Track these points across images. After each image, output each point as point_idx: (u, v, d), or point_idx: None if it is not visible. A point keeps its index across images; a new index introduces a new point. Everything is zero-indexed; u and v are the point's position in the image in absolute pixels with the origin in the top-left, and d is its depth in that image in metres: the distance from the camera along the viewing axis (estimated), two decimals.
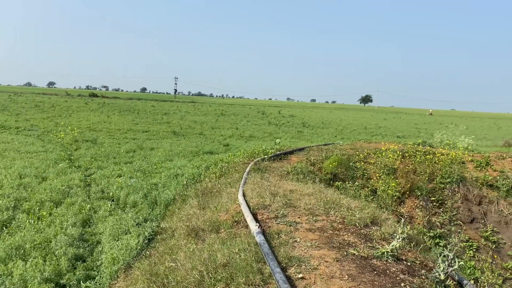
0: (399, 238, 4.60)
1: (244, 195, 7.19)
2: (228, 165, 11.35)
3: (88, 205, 9.21)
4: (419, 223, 10.88)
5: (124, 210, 9.04)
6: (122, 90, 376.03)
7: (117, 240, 7.14)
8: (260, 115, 52.37)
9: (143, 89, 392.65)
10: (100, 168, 13.21)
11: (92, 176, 12.27)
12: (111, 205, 9.35)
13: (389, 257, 4.42)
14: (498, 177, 13.14)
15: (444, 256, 4.42)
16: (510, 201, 12.59)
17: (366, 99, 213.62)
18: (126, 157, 15.24)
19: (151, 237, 7.19)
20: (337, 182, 11.60)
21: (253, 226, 5.12)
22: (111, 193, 10.28)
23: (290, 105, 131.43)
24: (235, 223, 5.97)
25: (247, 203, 6.51)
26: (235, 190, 7.97)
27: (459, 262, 4.31)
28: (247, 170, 9.93)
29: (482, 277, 6.71)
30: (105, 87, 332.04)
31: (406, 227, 5.18)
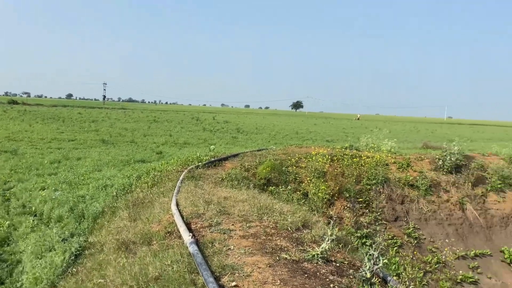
0: (328, 240, 4.79)
1: (177, 205, 7.07)
2: (161, 174, 11.10)
3: (7, 222, 8.53)
4: (347, 224, 11.41)
5: (48, 226, 8.49)
6: (45, 97, 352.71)
7: (40, 258, 6.69)
8: (195, 121, 51.88)
9: (69, 96, 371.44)
10: (21, 181, 12.28)
11: (12, 190, 11.39)
12: (33, 220, 8.73)
13: (319, 259, 4.59)
14: (418, 177, 14.18)
15: (370, 255, 4.68)
16: (429, 199, 13.65)
17: (297, 105, 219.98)
18: (50, 168, 14.32)
19: (78, 253, 6.81)
20: (270, 187, 11.81)
21: (186, 236, 5.06)
22: (33, 208, 9.61)
23: (225, 111, 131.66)
24: (168, 234, 5.85)
25: (180, 213, 6.41)
26: (168, 199, 7.82)
27: (383, 260, 4.58)
28: (180, 178, 9.78)
29: (403, 273, 7.18)
30: (26, 93, 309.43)
31: (335, 229, 5.41)
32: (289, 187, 12.07)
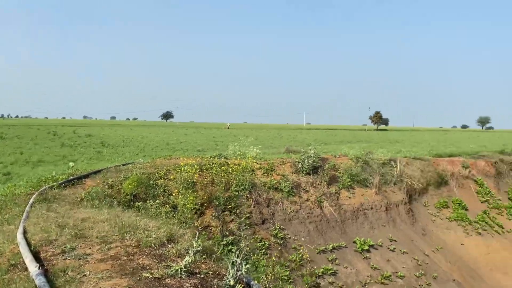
0: (192, 253, 4.74)
1: (25, 232, 6.26)
2: (5, 199, 9.71)
3: None
4: (214, 233, 11.54)
5: None
6: None
7: None
8: (51, 136, 47.02)
9: None
10: None
11: None
12: None
13: (183, 273, 4.51)
14: (281, 180, 15.13)
15: (233, 262, 4.76)
16: (292, 200, 14.64)
17: (167, 115, 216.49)
18: None
19: None
20: (137, 203, 11.30)
21: (32, 268, 4.49)
22: None
23: (87, 124, 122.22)
24: (12, 267, 5.11)
25: (27, 241, 5.67)
26: (14, 227, 6.86)
27: (245, 265, 4.70)
28: (30, 201, 8.71)
29: (263, 276, 7.53)
30: None
31: (200, 240, 5.39)
32: (157, 201, 11.71)
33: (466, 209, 18.77)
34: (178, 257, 5.13)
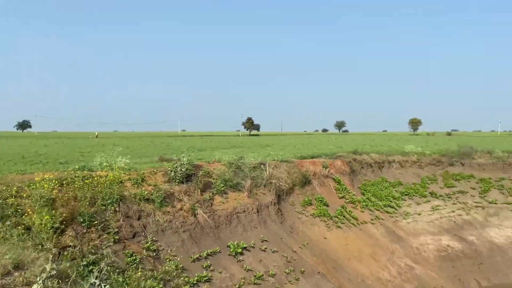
0: (40, 280, 4.24)
1: None
2: None
3: None
4: (73, 252, 10.58)
5: None
6: None
7: None
8: None
9: None
10: None
11: None
12: None
13: None
14: (153, 191, 14.65)
15: (92, 283, 4.40)
16: (164, 210, 14.27)
17: (24, 125, 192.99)
18: None
19: None
20: None
21: None
22: None
23: None
24: None
25: None
26: None
27: (105, 286, 4.38)
28: None
29: None
30: None
31: (58, 262, 4.87)
32: (7, 223, 10.27)
33: (327, 205, 20.65)
34: (26, 285, 4.54)
